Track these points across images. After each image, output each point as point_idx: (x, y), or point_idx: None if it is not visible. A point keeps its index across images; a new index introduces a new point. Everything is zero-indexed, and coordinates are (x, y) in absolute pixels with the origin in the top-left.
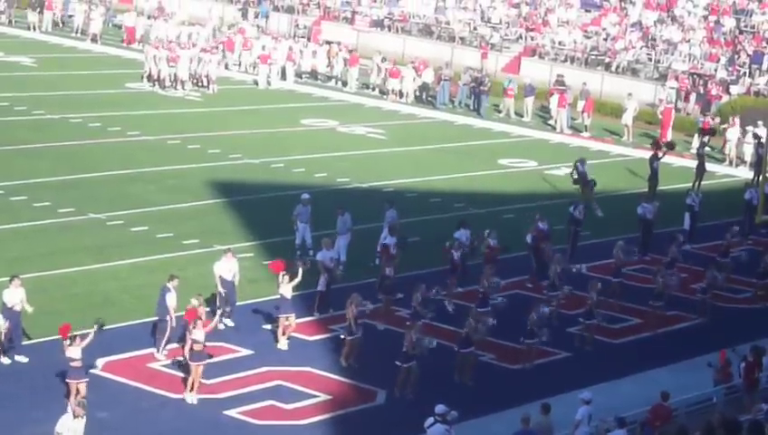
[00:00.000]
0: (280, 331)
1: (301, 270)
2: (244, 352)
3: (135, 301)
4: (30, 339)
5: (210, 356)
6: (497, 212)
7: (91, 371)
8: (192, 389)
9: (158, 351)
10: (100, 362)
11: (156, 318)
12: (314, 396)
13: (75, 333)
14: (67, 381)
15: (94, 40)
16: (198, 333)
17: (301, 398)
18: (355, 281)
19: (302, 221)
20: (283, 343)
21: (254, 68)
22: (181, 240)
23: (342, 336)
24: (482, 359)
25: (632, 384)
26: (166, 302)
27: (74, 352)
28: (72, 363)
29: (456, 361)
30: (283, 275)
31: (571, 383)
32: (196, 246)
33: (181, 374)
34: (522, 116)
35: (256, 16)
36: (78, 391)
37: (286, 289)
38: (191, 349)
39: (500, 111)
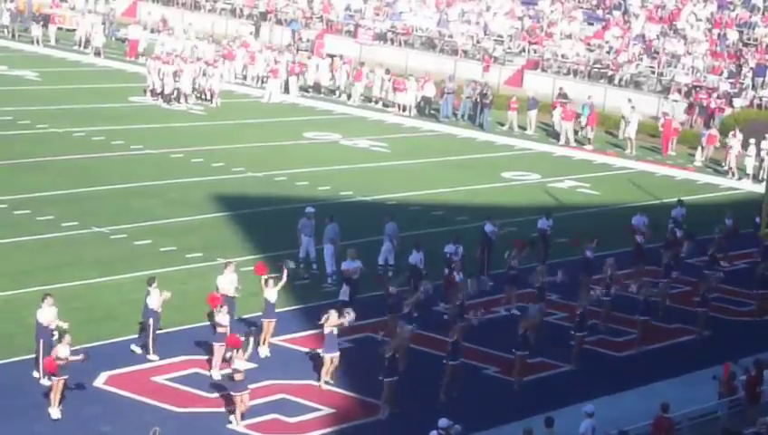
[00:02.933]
0: (263, 336)
1: (285, 272)
2: (248, 365)
3: (138, 315)
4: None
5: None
6: (500, 225)
7: (94, 384)
8: (242, 416)
9: (149, 353)
10: (104, 375)
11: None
12: (318, 409)
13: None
14: (50, 376)
15: (98, 54)
16: (239, 363)
17: (304, 411)
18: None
19: (306, 235)
20: (264, 350)
21: (262, 81)
22: (184, 254)
23: (321, 353)
24: (485, 372)
25: (636, 397)
26: (147, 304)
27: (62, 350)
28: (58, 362)
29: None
30: (267, 280)
31: (574, 396)
32: (200, 259)
33: (224, 399)
34: (525, 129)
35: (294, 36)
36: (59, 388)
37: (271, 293)
38: (231, 378)
39: (502, 125)
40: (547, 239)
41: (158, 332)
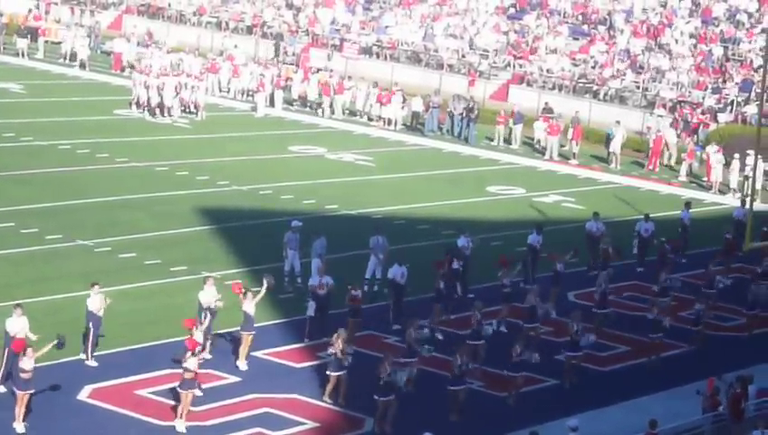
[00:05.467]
0: (242, 348)
1: (265, 285)
2: (232, 379)
3: (122, 328)
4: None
5: (199, 385)
6: (485, 239)
7: (78, 398)
8: (181, 416)
9: (87, 358)
10: (87, 388)
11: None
12: (302, 423)
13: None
14: (15, 390)
15: (83, 66)
16: (191, 362)
17: (288, 425)
18: (343, 308)
19: (291, 248)
20: (242, 364)
21: (246, 95)
22: (169, 267)
23: (328, 372)
24: (470, 386)
25: (620, 412)
26: (88, 307)
27: (26, 363)
28: (23, 375)
29: (448, 397)
30: (246, 292)
31: (558, 411)
32: (184, 272)
33: (171, 402)
34: (510, 143)
35: (288, 53)
36: (24, 402)
37: (249, 306)
38: (182, 377)
39: (491, 139)
40: (537, 254)
41: (98, 337)
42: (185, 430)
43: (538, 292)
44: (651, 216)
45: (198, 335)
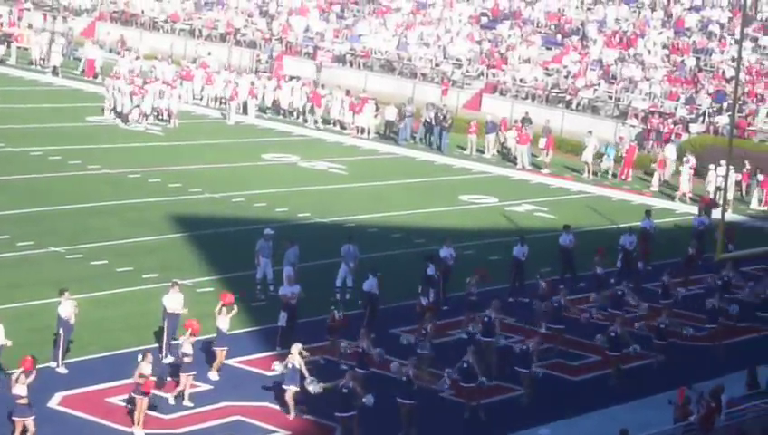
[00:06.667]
0: (215, 363)
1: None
2: (203, 386)
3: (93, 335)
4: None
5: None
6: (458, 248)
7: (48, 405)
8: (138, 422)
9: (58, 364)
10: (58, 396)
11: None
12: (273, 432)
13: (20, 371)
14: (13, 418)
15: (55, 73)
16: (146, 367)
17: (259, 433)
18: (315, 316)
19: (264, 256)
20: (214, 375)
21: (220, 103)
22: (141, 274)
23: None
24: (441, 395)
25: (591, 421)
26: (60, 315)
27: (20, 389)
28: (19, 401)
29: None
30: (221, 308)
31: (529, 420)
32: (156, 280)
33: (130, 407)
34: (483, 152)
35: (268, 59)
36: (25, 429)
37: (223, 322)
38: (136, 382)
39: (464, 148)
40: (521, 266)
41: (69, 343)
42: None
43: (498, 305)
44: (622, 226)
45: (188, 346)
